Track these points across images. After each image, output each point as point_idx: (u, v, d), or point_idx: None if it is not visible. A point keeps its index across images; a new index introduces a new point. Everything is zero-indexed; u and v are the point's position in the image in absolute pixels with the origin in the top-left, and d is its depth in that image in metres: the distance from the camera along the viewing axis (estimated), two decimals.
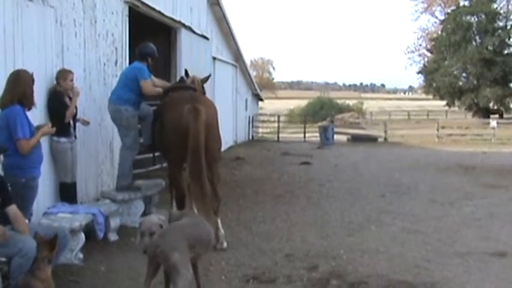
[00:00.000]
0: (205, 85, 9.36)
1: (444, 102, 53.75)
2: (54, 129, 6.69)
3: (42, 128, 6.37)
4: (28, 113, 6.16)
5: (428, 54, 56.02)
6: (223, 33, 22.02)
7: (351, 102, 62.93)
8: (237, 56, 25.10)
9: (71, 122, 7.94)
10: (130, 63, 10.18)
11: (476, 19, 48.13)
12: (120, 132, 9.20)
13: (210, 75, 9.92)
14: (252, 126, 31.29)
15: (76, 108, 8.01)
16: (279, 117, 35.72)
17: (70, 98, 7.90)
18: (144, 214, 8.79)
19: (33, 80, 6.14)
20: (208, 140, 7.52)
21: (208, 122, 7.60)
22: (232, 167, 16.60)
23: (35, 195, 6.35)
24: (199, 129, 7.34)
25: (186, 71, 9.62)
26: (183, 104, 7.62)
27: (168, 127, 7.78)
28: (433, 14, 56.26)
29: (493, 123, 34.64)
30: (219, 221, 7.77)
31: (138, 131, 9.26)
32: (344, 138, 30.75)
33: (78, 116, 8.21)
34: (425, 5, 55.28)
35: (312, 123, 36.66)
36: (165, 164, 9.75)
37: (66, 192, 7.89)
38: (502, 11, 49.19)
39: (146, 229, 5.25)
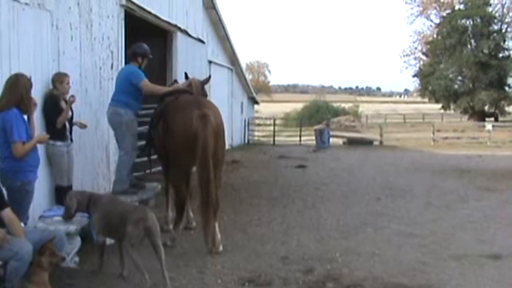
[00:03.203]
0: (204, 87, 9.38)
1: (440, 106, 53.84)
2: (48, 136, 6.74)
3: (38, 135, 6.41)
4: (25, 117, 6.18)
5: (424, 58, 56.07)
6: (219, 37, 22.05)
7: (346, 106, 63.15)
8: (233, 59, 25.12)
9: (67, 125, 7.94)
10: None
11: (471, 23, 48.22)
12: (117, 137, 9.25)
13: (210, 77, 9.94)
14: (248, 130, 31.25)
15: (72, 111, 8.01)
16: (274, 120, 35.72)
17: (66, 102, 7.91)
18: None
19: (31, 85, 6.16)
20: (216, 146, 7.54)
21: (217, 127, 7.61)
22: (228, 170, 16.56)
23: (31, 198, 6.35)
24: (208, 135, 7.35)
25: (186, 74, 9.65)
26: (190, 109, 7.60)
27: (176, 133, 7.69)
28: (428, 18, 56.30)
29: (489, 126, 34.73)
30: (216, 225, 7.76)
31: (137, 136, 9.30)
32: (340, 141, 30.77)
33: (74, 120, 8.20)
34: (421, 9, 55.30)
35: (307, 126, 36.68)
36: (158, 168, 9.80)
37: (63, 196, 7.86)
38: (497, 15, 49.31)
39: (70, 204, 6.36)
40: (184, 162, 7.73)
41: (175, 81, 10.07)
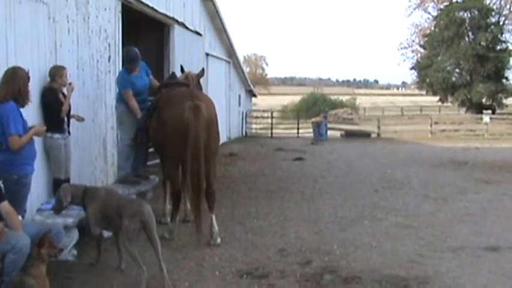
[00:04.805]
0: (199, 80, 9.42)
1: (437, 98, 53.91)
2: (45, 128, 6.72)
3: (35, 127, 6.39)
4: (22, 110, 6.16)
5: (422, 50, 56.03)
6: (216, 29, 21.99)
7: (344, 98, 62.95)
8: (230, 51, 25.06)
9: (65, 118, 7.93)
10: (123, 60, 10.22)
11: (469, 15, 48.21)
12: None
13: (203, 69, 9.97)
14: (246, 122, 31.24)
15: (70, 104, 8.00)
16: (272, 113, 35.68)
17: (63, 95, 7.90)
18: None
19: (28, 78, 6.15)
20: (208, 138, 7.53)
21: (209, 119, 7.60)
22: (226, 163, 16.60)
23: (28, 191, 6.34)
24: (200, 127, 7.34)
25: (181, 67, 9.69)
26: (183, 101, 7.60)
27: (168, 124, 7.70)
28: (426, 10, 56.26)
29: (486, 118, 34.78)
30: (214, 217, 7.79)
31: (134, 127, 9.39)
32: (337, 134, 30.78)
33: (72, 113, 8.20)
34: (419, 1, 55.21)
35: (305, 119, 36.68)
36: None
37: None
38: (494, 7, 49.33)
39: (63, 197, 6.29)
40: (176, 153, 7.72)
41: (173, 73, 10.07)
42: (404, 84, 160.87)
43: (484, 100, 48.60)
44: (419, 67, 52.00)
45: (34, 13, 7.58)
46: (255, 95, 36.03)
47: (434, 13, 53.92)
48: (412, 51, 58.23)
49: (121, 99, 9.42)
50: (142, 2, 12.09)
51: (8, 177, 5.97)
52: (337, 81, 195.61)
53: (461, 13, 48.09)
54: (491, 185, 13.13)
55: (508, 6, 50.09)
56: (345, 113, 46.01)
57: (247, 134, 30.94)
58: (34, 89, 7.05)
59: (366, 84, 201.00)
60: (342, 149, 22.93)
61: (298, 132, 31.90)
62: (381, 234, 8.39)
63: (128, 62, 9.27)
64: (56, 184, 7.84)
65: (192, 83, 8.93)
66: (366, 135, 30.59)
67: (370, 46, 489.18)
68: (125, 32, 11.19)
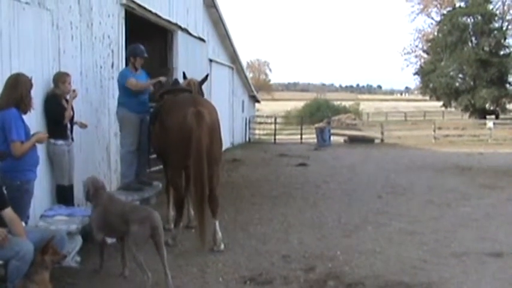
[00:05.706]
0: (203, 86, 9.44)
1: (441, 103, 53.85)
2: (47, 135, 6.72)
3: (37, 134, 6.39)
4: (25, 116, 6.16)
5: (425, 55, 56.02)
6: (220, 35, 22.02)
7: (347, 104, 63.00)
8: (234, 57, 25.08)
9: (68, 124, 7.93)
10: (126, 65, 10.26)
11: (472, 20, 48.18)
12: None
13: (207, 76, 9.98)
14: (249, 128, 31.25)
15: (73, 110, 8.00)
16: (275, 118, 35.70)
17: (67, 101, 7.91)
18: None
19: (31, 85, 6.15)
20: (211, 143, 7.54)
21: (212, 125, 7.61)
22: (229, 168, 16.58)
23: (31, 198, 6.33)
24: (202, 133, 7.35)
25: (184, 74, 9.73)
26: (185, 107, 7.61)
27: (171, 130, 7.72)
28: (429, 15, 56.25)
29: (490, 123, 34.69)
30: (217, 224, 7.78)
31: (136, 133, 9.44)
32: (341, 139, 30.77)
33: (75, 119, 8.20)
34: (422, 6, 55.24)
35: (308, 124, 36.67)
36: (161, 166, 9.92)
37: (63, 195, 7.87)
38: (497, 12, 49.32)
39: (91, 186, 6.44)
40: (179, 159, 7.73)
41: (176, 80, 10.10)
42: (407, 89, 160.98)
43: (487, 105, 48.56)
44: (423, 72, 51.96)
45: (38, 19, 7.60)
46: (258, 101, 36.05)
47: (438, 18, 53.96)
48: (416, 56, 58.26)
49: (122, 103, 9.50)
50: (145, 9, 12.12)
51: (10, 184, 5.95)
52: (340, 86, 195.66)
53: (464, 18, 48.07)
54: (495, 190, 13.10)
55: (511, 12, 50.12)
56: (348, 118, 45.99)
57: (250, 140, 30.95)
58: (37, 96, 7.07)
59: (369, 89, 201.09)
60: (345, 154, 22.92)
61: (301, 138, 31.89)
62: (384, 240, 8.37)
63: (134, 56, 9.55)
64: (59, 191, 7.87)
65: (194, 89, 8.96)
66: (369, 140, 30.57)
67: (373, 51, 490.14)
68: (128, 39, 11.21)
